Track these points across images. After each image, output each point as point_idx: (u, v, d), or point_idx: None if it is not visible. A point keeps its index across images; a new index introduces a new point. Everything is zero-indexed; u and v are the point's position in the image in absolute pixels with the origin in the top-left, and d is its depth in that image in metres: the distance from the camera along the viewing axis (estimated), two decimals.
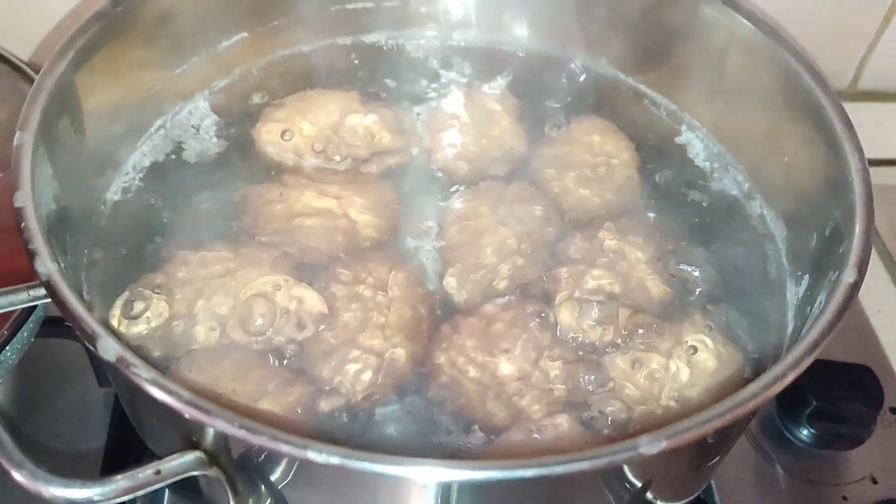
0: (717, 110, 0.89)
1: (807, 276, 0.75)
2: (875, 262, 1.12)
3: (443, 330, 0.74)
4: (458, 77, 0.96)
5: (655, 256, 0.78)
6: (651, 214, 0.83)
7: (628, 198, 0.85)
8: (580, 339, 0.73)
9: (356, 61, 0.96)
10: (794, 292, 0.77)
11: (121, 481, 0.53)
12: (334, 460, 0.50)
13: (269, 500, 0.63)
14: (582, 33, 0.95)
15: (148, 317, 0.70)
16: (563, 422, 0.67)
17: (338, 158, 0.85)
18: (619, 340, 0.73)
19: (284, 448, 0.50)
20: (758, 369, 0.64)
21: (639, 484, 0.63)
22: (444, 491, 0.55)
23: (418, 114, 0.92)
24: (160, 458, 0.56)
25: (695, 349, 0.71)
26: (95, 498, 0.52)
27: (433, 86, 0.95)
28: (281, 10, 0.92)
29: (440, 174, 0.87)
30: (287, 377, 0.69)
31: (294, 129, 0.86)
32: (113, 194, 0.81)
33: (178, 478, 0.56)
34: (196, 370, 0.67)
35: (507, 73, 0.96)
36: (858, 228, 0.66)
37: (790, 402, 0.91)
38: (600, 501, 0.64)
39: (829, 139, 0.73)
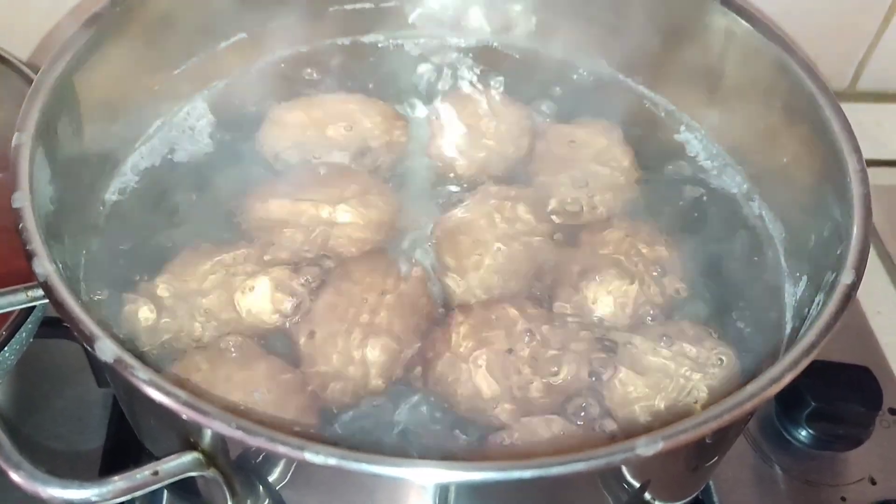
0: (715, 111, 0.89)
1: (805, 277, 0.75)
2: (874, 263, 1.12)
3: (441, 329, 0.73)
4: (457, 77, 0.96)
5: (654, 256, 0.78)
6: (650, 215, 0.83)
7: (627, 199, 0.85)
8: (580, 336, 0.73)
9: (355, 62, 0.96)
10: (792, 293, 0.77)
11: (118, 482, 0.53)
12: (331, 461, 0.50)
13: (266, 501, 0.63)
14: (582, 34, 0.95)
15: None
16: (563, 421, 0.67)
17: (336, 159, 0.85)
18: (618, 338, 0.73)
19: (281, 449, 0.50)
20: (756, 370, 0.63)
21: (637, 484, 0.63)
22: (442, 492, 0.55)
23: (417, 114, 0.92)
24: (158, 458, 0.56)
25: (693, 348, 0.71)
26: (93, 498, 0.52)
27: (432, 86, 0.95)
28: (279, 11, 0.92)
29: (440, 175, 0.87)
30: (285, 378, 0.69)
31: (293, 130, 0.86)
32: (111, 195, 0.81)
33: (176, 478, 0.56)
34: (193, 371, 0.67)
35: (507, 73, 0.96)
36: (856, 229, 0.66)
37: (789, 403, 0.91)
38: (599, 502, 0.64)
39: (827, 140, 0.73)
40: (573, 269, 0.77)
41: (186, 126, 0.87)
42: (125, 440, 0.85)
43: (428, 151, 0.88)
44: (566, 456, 0.51)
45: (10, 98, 0.90)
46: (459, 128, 0.90)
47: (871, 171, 0.71)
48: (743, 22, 0.82)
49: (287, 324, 0.73)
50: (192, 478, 0.65)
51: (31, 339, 0.83)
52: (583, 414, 0.69)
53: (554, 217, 0.82)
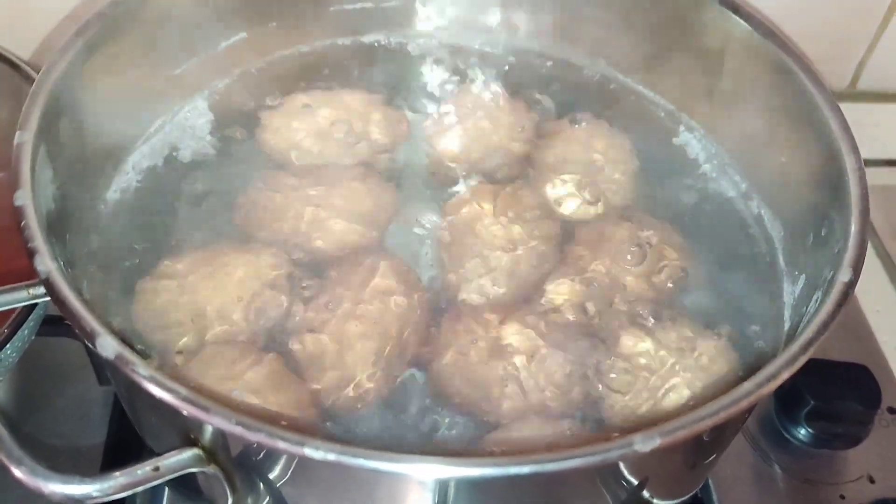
0: (714, 111, 0.89)
1: (803, 276, 0.75)
2: (874, 262, 1.12)
3: (442, 327, 0.74)
4: (457, 77, 0.96)
5: (653, 255, 0.79)
6: (649, 214, 0.83)
7: (626, 198, 0.85)
8: (579, 333, 0.73)
9: (355, 61, 0.96)
10: (790, 292, 0.77)
11: (119, 478, 0.53)
12: (331, 457, 0.50)
13: (267, 498, 0.64)
14: (581, 34, 0.95)
15: None
16: (562, 419, 0.67)
17: (337, 158, 0.86)
18: (618, 336, 0.73)
19: (281, 444, 0.51)
20: (754, 368, 0.64)
21: (635, 482, 0.63)
22: (442, 488, 0.55)
23: (418, 113, 0.92)
24: (159, 455, 0.57)
25: (691, 347, 0.72)
26: (94, 494, 0.52)
27: (432, 86, 0.95)
28: (280, 10, 0.92)
29: (440, 173, 0.87)
30: (286, 375, 0.69)
31: (293, 129, 0.86)
32: (113, 193, 0.81)
33: (177, 474, 0.56)
34: (195, 368, 0.68)
35: (507, 73, 0.96)
36: (854, 228, 0.66)
37: (788, 401, 0.91)
38: (598, 500, 0.65)
39: (825, 139, 0.74)
40: (573, 268, 0.77)
41: (187, 125, 0.87)
42: (126, 438, 0.85)
43: (428, 150, 0.89)
44: (563, 452, 0.51)
45: (12, 97, 0.91)
46: (459, 127, 0.90)
47: (870, 170, 0.71)
48: (742, 22, 0.82)
49: (285, 322, 0.73)
50: (194, 475, 0.65)
51: (33, 337, 0.83)
52: (581, 411, 0.69)
53: (555, 217, 0.83)
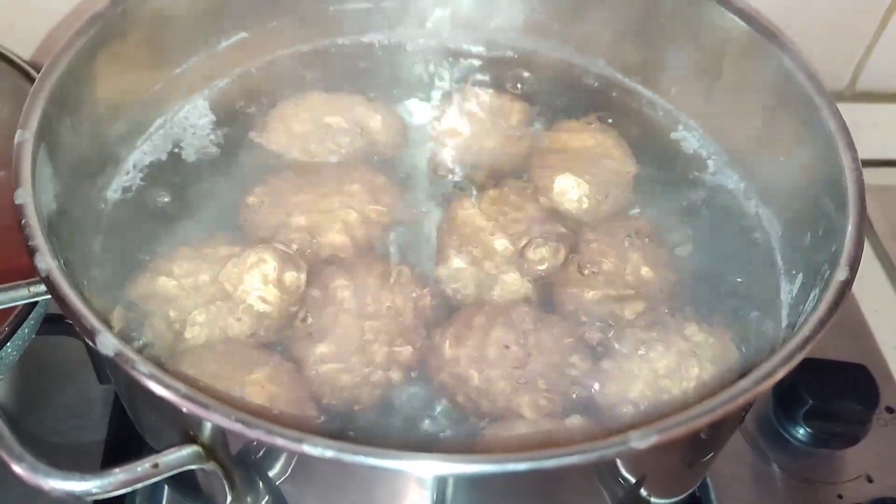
0: (713, 110, 0.89)
1: (800, 275, 0.75)
2: (872, 262, 1.12)
3: (441, 328, 0.74)
4: (456, 77, 0.96)
5: (652, 255, 0.79)
6: (648, 213, 0.84)
7: (625, 197, 0.85)
8: (579, 331, 0.74)
9: (355, 61, 0.96)
10: (788, 290, 0.77)
11: (119, 474, 0.53)
12: (329, 453, 0.50)
13: (266, 496, 0.64)
14: (580, 34, 0.95)
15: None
16: (560, 416, 0.67)
17: (337, 158, 0.86)
18: (617, 334, 0.74)
19: (280, 441, 0.51)
20: (751, 366, 0.64)
21: (632, 479, 0.63)
22: (440, 485, 0.56)
23: (417, 114, 0.92)
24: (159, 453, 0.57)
25: (687, 344, 0.72)
26: (94, 490, 0.53)
27: (432, 86, 0.95)
28: (280, 10, 0.92)
29: (439, 174, 0.87)
30: (284, 375, 0.70)
31: (293, 129, 0.87)
32: (113, 192, 0.81)
33: (176, 471, 0.56)
34: (195, 367, 0.68)
35: (506, 73, 0.96)
36: (851, 226, 0.66)
37: (787, 400, 0.91)
38: (595, 497, 0.65)
39: (823, 138, 0.74)
40: (572, 266, 0.78)
41: (188, 124, 0.87)
42: (126, 437, 0.85)
43: (428, 150, 0.89)
44: (560, 449, 0.51)
45: (13, 96, 0.91)
46: (459, 127, 0.90)
47: (869, 171, 0.71)
48: (739, 21, 0.82)
49: (285, 322, 0.73)
50: (193, 473, 0.65)
51: (34, 336, 0.83)
52: (579, 409, 0.69)
53: (555, 216, 0.83)
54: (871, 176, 0.73)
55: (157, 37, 0.83)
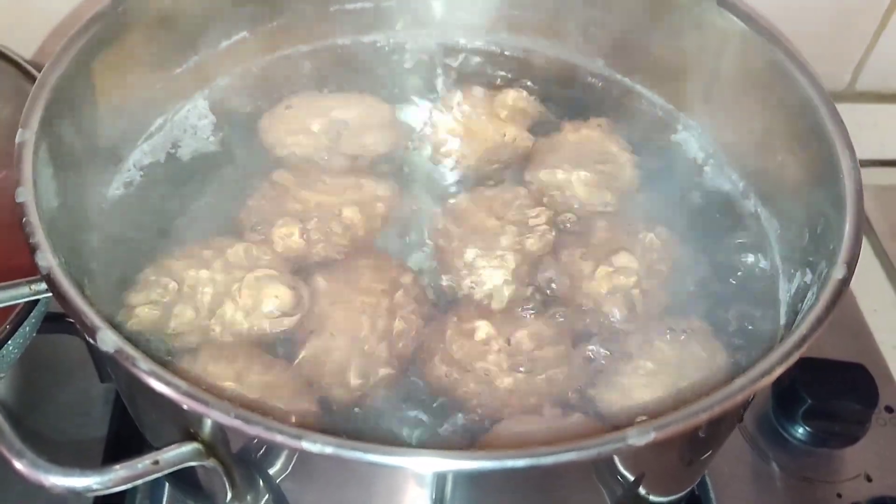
0: (712, 110, 0.89)
1: (798, 274, 0.75)
2: (871, 261, 1.13)
3: (441, 324, 0.74)
4: (456, 77, 0.96)
5: (650, 253, 0.79)
6: (646, 212, 0.84)
7: (625, 197, 0.85)
8: (578, 329, 0.74)
9: (356, 61, 0.96)
10: (786, 289, 0.77)
11: (119, 470, 0.53)
12: (328, 450, 0.50)
13: (266, 494, 0.64)
14: (580, 35, 0.95)
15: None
16: (560, 412, 0.67)
17: (337, 157, 0.86)
18: (614, 332, 0.74)
19: (279, 438, 0.51)
20: (749, 365, 0.64)
21: (631, 477, 0.63)
22: (440, 482, 0.56)
23: (417, 113, 0.92)
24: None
25: (686, 342, 0.72)
26: (94, 486, 0.53)
27: (432, 86, 0.96)
28: (281, 10, 0.92)
29: (439, 173, 0.88)
30: (287, 372, 0.70)
31: (294, 128, 0.87)
32: (114, 191, 0.81)
33: (176, 468, 0.56)
34: (195, 364, 0.68)
35: (506, 73, 0.96)
36: (848, 225, 0.67)
37: (786, 400, 0.92)
38: (594, 496, 0.65)
39: (821, 138, 0.74)
40: (572, 265, 0.78)
41: (188, 124, 0.88)
42: (127, 435, 0.86)
43: (427, 149, 0.89)
44: (558, 446, 0.51)
45: (14, 96, 0.91)
46: (459, 127, 0.90)
47: (869, 171, 0.72)
48: (739, 21, 0.82)
49: (286, 321, 0.73)
50: (194, 471, 0.66)
51: (35, 334, 0.83)
52: (578, 407, 0.70)
53: (553, 215, 0.83)
54: (871, 176, 0.73)
55: (158, 36, 0.84)
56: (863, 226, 0.67)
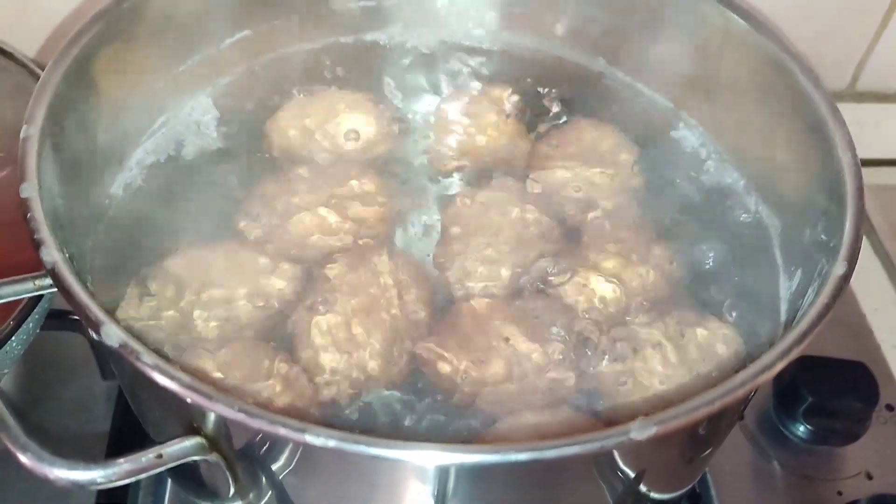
0: (713, 108, 0.89)
1: (799, 271, 0.75)
2: (872, 260, 1.13)
3: (444, 321, 0.75)
4: (458, 75, 0.96)
5: (652, 251, 0.79)
6: (648, 210, 0.84)
7: (625, 194, 0.86)
8: (579, 327, 0.74)
9: (358, 59, 0.96)
10: (787, 287, 0.77)
11: (123, 464, 0.54)
12: (331, 443, 0.50)
13: (268, 490, 0.64)
14: (580, 32, 0.95)
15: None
16: (561, 408, 0.67)
17: (339, 156, 0.86)
18: (617, 330, 0.74)
19: (282, 431, 0.51)
20: (749, 361, 0.64)
21: (632, 474, 0.63)
22: (442, 476, 0.56)
23: (419, 112, 0.93)
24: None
25: (687, 340, 0.72)
26: (98, 479, 0.53)
27: (434, 84, 0.96)
28: (283, 8, 0.92)
29: (441, 171, 0.88)
30: (288, 367, 0.70)
31: (296, 127, 0.87)
32: (117, 189, 0.81)
33: (179, 462, 0.57)
34: (197, 361, 0.68)
35: (507, 71, 0.96)
36: (849, 222, 0.67)
37: (787, 398, 0.92)
38: (596, 492, 0.65)
39: (822, 136, 0.74)
40: (573, 263, 0.78)
41: (191, 122, 0.88)
42: (129, 433, 0.86)
43: (429, 149, 0.89)
44: (560, 440, 0.51)
45: (17, 94, 0.91)
46: (460, 125, 0.91)
47: (869, 170, 0.72)
48: (739, 20, 0.82)
49: (288, 318, 0.74)
50: (197, 467, 0.66)
51: (38, 331, 0.84)
52: (580, 403, 0.70)
53: (554, 213, 0.83)
54: (872, 175, 0.73)
55: (161, 35, 0.84)
56: (863, 222, 0.67)
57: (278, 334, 0.73)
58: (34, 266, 0.64)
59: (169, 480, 0.84)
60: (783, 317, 0.75)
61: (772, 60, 0.80)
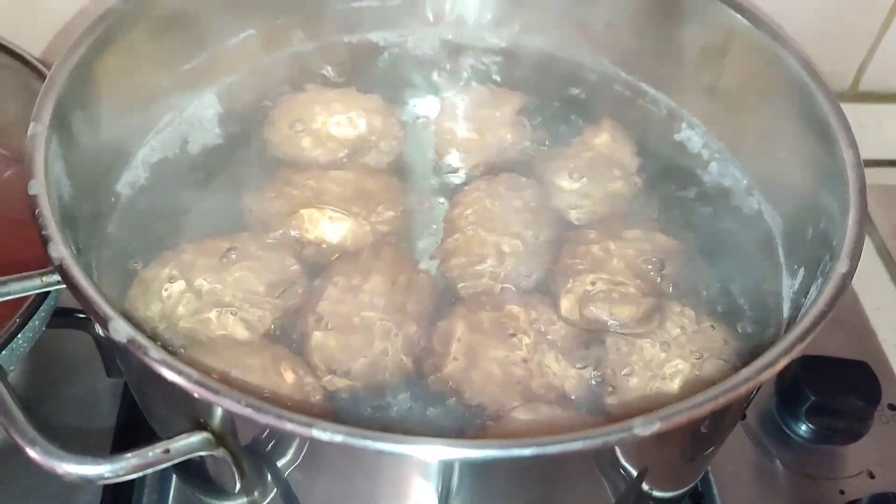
0: (716, 107, 0.89)
1: (802, 270, 0.76)
2: (874, 260, 1.13)
3: (445, 319, 0.75)
4: (461, 75, 0.97)
5: (654, 251, 0.80)
6: (651, 209, 0.84)
7: (628, 194, 0.86)
8: (580, 326, 0.74)
9: (362, 59, 0.97)
10: (789, 285, 0.78)
11: (131, 459, 0.54)
12: (338, 438, 0.51)
13: (274, 486, 0.64)
14: (583, 32, 0.96)
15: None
16: (562, 406, 0.68)
17: (342, 154, 0.87)
18: (618, 329, 0.74)
19: (289, 426, 0.51)
20: (752, 360, 0.64)
21: (634, 472, 0.64)
22: (446, 471, 0.56)
23: (422, 111, 0.93)
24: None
25: (690, 339, 0.73)
26: (106, 474, 0.53)
27: (437, 83, 0.96)
28: (288, 8, 0.93)
29: (443, 171, 0.88)
30: (294, 364, 0.70)
31: (300, 126, 0.87)
32: (122, 186, 0.82)
33: (186, 457, 0.57)
34: (203, 357, 0.69)
35: (509, 71, 0.97)
36: (851, 220, 0.67)
37: (789, 397, 0.92)
38: (598, 491, 0.65)
39: (824, 135, 0.74)
40: (577, 263, 0.78)
41: (196, 120, 0.88)
42: (134, 430, 0.86)
43: (431, 148, 0.90)
44: (564, 435, 0.52)
45: (24, 93, 0.92)
46: (462, 125, 0.91)
47: (872, 170, 0.72)
48: (742, 19, 0.83)
49: (292, 314, 0.74)
50: (203, 464, 0.66)
51: (44, 328, 0.84)
52: (585, 400, 0.70)
53: (556, 213, 0.84)
54: (874, 176, 0.73)
55: (167, 33, 0.84)
56: (866, 220, 0.67)
57: (285, 332, 0.73)
58: (40, 264, 0.64)
59: (174, 477, 0.84)
60: (786, 315, 0.75)
61: (774, 59, 0.81)
